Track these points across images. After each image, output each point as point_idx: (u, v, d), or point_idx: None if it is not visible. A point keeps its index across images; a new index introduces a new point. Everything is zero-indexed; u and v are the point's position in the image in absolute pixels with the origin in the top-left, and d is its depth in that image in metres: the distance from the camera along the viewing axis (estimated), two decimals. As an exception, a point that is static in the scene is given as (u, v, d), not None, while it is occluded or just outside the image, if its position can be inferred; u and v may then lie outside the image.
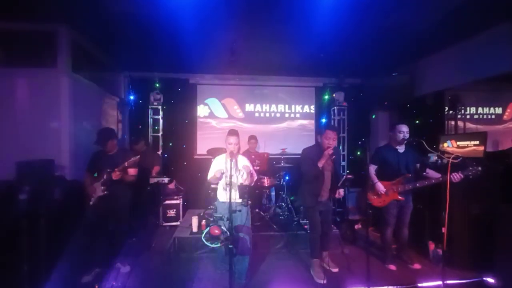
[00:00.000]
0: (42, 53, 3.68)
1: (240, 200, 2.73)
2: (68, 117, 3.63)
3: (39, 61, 3.69)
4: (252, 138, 4.81)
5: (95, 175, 2.91)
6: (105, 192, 2.82)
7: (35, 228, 2.46)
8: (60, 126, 3.59)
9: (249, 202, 2.76)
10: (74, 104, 3.71)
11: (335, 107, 5.82)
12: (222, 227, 2.39)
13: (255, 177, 2.93)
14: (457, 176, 2.71)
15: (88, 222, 2.82)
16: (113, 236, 2.98)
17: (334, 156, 2.79)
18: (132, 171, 2.99)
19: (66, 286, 2.65)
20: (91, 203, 2.81)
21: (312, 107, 6.10)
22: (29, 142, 3.45)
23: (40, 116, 3.55)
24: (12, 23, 3.50)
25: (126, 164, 2.79)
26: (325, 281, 2.82)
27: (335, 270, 3.09)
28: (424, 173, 3.07)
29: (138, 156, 2.91)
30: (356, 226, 4.34)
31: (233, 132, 2.72)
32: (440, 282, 2.64)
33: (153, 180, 4.14)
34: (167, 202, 4.64)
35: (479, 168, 2.70)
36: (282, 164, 4.66)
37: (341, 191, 3.03)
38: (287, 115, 6.04)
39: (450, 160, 2.58)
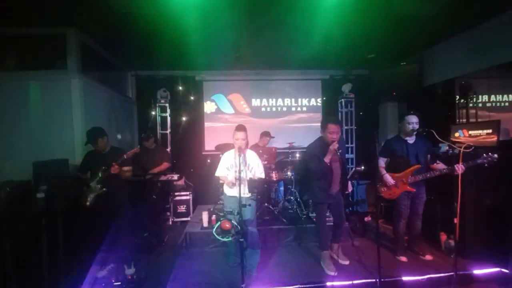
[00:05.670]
0: (52, 55, 3.77)
1: (249, 195, 2.76)
2: (79, 117, 3.71)
3: (50, 64, 3.78)
4: (266, 134, 4.76)
5: (88, 175, 2.92)
6: (104, 189, 2.84)
7: (53, 225, 2.55)
8: (72, 127, 3.68)
9: (258, 196, 2.78)
10: (85, 104, 3.80)
11: (342, 99, 5.79)
12: (233, 221, 2.43)
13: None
14: (460, 167, 2.63)
15: (89, 222, 2.85)
16: (116, 233, 2.98)
17: (340, 150, 2.73)
18: (126, 168, 2.98)
19: (83, 280, 2.73)
20: (87, 203, 2.80)
21: (319, 100, 6.05)
22: (43, 143, 3.56)
23: (53, 117, 3.65)
24: (23, 27, 3.58)
25: (125, 156, 2.81)
26: (336, 273, 2.83)
27: (346, 263, 3.08)
28: (435, 164, 3.03)
29: (138, 147, 2.94)
30: (366, 219, 4.32)
31: (240, 128, 2.72)
32: (452, 273, 2.62)
33: (163, 177, 4.21)
34: (177, 198, 4.72)
35: (495, 156, 2.59)
36: (290, 158, 4.66)
37: (350, 185, 3.00)
38: (293, 108, 6.02)
39: (462, 149, 2.54)
